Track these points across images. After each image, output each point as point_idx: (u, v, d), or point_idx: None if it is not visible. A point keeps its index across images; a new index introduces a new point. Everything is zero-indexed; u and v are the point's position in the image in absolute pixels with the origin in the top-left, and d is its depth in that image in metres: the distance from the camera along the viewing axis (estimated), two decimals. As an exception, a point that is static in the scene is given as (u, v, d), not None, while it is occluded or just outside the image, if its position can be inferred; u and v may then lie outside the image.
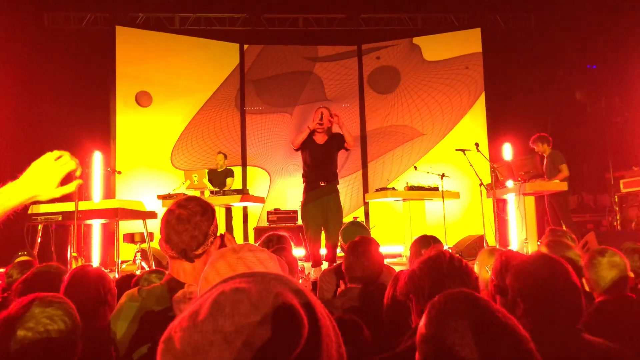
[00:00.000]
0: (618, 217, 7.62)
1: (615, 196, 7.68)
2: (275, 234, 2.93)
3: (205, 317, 0.59)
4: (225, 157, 7.94)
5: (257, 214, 9.38)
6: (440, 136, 9.54)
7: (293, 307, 0.60)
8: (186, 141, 9.23)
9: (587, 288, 2.40)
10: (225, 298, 0.60)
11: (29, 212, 5.48)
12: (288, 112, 9.86)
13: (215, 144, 9.37)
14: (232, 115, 9.67)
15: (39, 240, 5.55)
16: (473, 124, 9.35)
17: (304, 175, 5.34)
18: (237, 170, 9.21)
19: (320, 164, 5.24)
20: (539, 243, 5.00)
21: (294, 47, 9.95)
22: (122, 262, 6.28)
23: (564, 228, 5.22)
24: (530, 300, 1.58)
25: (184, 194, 6.12)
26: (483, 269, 2.50)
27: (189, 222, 1.66)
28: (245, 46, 9.88)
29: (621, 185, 7.16)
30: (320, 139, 5.31)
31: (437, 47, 9.71)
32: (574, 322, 1.56)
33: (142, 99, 8.80)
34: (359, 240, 2.71)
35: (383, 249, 2.99)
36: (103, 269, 2.35)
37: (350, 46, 10.03)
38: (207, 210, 1.72)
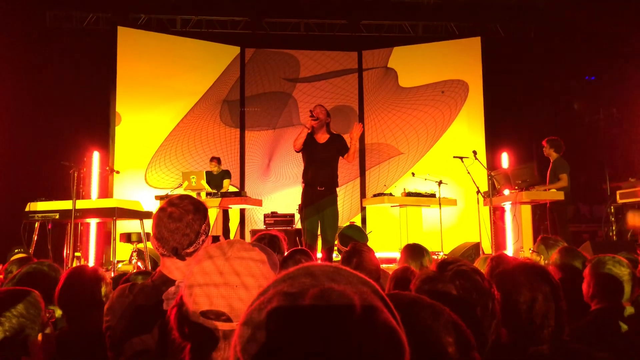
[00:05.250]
0: (614, 228, 7.63)
1: (612, 207, 7.69)
2: (267, 234, 2.91)
3: None
4: (219, 161, 7.93)
5: (254, 217, 9.38)
6: (440, 137, 9.59)
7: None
8: (165, 154, 9.04)
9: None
10: None
11: (27, 209, 5.47)
12: (263, 133, 9.83)
13: (193, 157, 9.18)
14: (213, 126, 9.52)
15: (35, 238, 5.54)
16: (471, 132, 9.38)
17: (302, 176, 5.26)
18: (236, 175, 9.22)
19: (319, 165, 5.12)
20: (530, 250, 5.02)
21: (276, 67, 9.93)
22: (118, 261, 6.28)
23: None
24: (507, 313, 1.54)
25: (182, 195, 6.12)
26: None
27: (181, 221, 1.66)
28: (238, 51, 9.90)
29: (617, 196, 7.18)
30: (321, 137, 5.18)
31: (431, 58, 9.72)
32: (555, 333, 1.52)
33: None
34: (351, 250, 2.71)
35: (379, 255, 2.99)
36: (102, 270, 2.33)
37: (331, 67, 10.04)
38: (200, 209, 1.72)
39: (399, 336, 0.60)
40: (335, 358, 0.55)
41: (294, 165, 9.53)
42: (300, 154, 5.31)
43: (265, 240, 2.90)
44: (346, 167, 9.21)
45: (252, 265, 1.03)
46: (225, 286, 0.99)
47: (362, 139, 9.69)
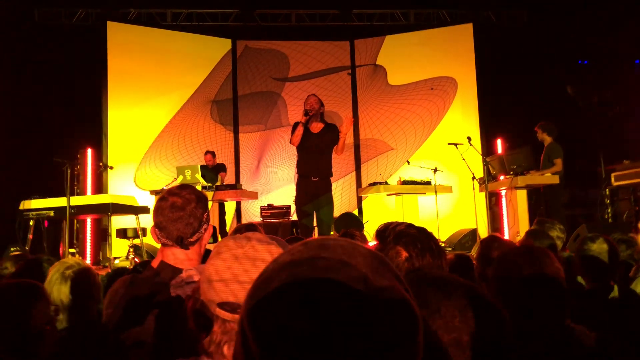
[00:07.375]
0: (609, 211, 7.65)
1: (607, 189, 7.70)
2: (243, 225, 2.90)
3: None
4: (214, 155, 7.92)
5: (251, 210, 9.37)
6: (431, 134, 9.57)
7: None
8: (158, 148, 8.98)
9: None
10: None
11: (21, 207, 5.45)
12: (252, 135, 9.76)
13: (184, 157, 9.06)
14: (204, 124, 9.43)
15: (31, 236, 5.51)
16: (465, 119, 9.37)
17: (296, 167, 5.22)
18: (231, 173, 9.17)
19: (313, 155, 5.05)
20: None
21: (265, 66, 9.88)
22: (115, 258, 6.27)
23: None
24: (509, 298, 1.46)
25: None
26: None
27: (184, 210, 1.67)
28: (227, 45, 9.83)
29: (612, 179, 7.20)
30: (314, 127, 5.11)
31: (422, 47, 9.67)
32: (559, 318, 1.46)
33: None
34: (343, 234, 2.70)
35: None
36: (86, 263, 2.35)
37: (321, 65, 9.98)
38: (201, 198, 1.74)
39: (413, 309, 0.59)
40: (349, 334, 0.54)
41: (285, 167, 9.50)
42: (292, 147, 5.28)
43: (242, 231, 2.87)
44: (342, 161, 9.19)
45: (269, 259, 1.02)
46: (241, 281, 0.99)
47: (356, 134, 9.70)
